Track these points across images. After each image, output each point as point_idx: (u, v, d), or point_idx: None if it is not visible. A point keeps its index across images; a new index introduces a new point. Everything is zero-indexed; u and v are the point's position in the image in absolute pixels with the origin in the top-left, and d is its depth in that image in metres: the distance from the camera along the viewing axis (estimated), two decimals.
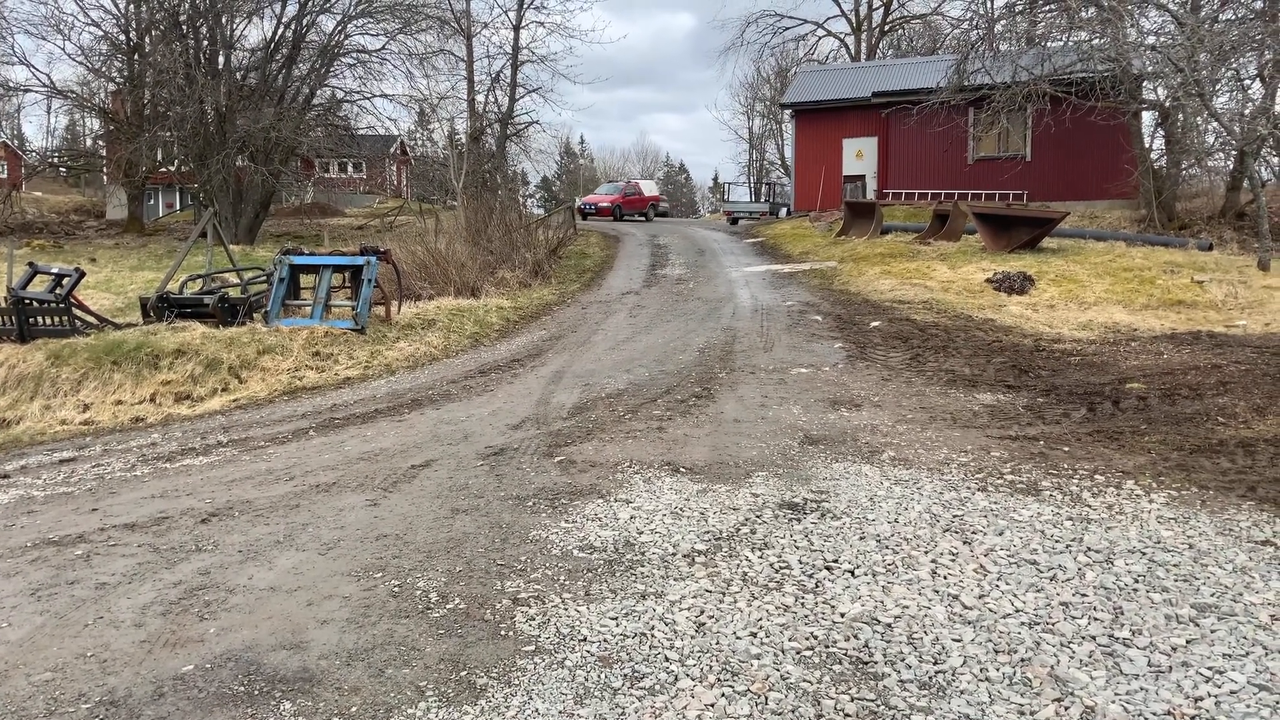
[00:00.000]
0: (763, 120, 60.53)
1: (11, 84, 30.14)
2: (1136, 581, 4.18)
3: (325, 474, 6.33)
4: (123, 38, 29.12)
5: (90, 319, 11.72)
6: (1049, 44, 20.96)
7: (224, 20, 27.57)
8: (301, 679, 3.52)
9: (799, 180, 29.99)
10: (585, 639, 3.78)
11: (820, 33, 45.56)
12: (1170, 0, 18.58)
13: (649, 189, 40.56)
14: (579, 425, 7.39)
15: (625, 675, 3.50)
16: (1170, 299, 12.53)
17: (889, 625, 3.83)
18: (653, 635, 3.80)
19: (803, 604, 4.05)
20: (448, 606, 4.11)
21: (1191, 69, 15.44)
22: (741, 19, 52.12)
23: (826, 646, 3.67)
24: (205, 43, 27.94)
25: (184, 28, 27.52)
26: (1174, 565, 4.35)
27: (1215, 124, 17.55)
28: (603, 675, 3.50)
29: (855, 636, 3.74)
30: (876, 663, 3.54)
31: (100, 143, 39.81)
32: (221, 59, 28.17)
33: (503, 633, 3.86)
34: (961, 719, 3.16)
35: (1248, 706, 3.18)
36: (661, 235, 26.77)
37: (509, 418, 7.79)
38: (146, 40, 28.91)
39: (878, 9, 44.62)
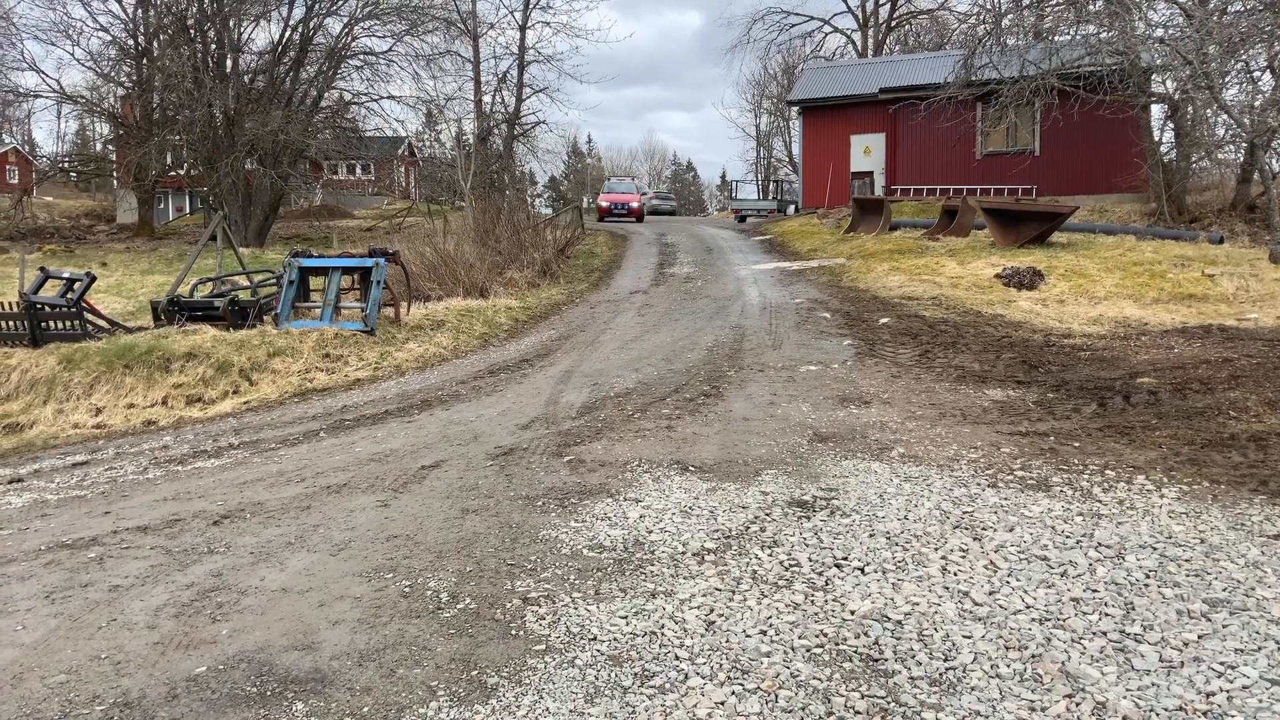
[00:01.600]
0: (770, 117, 60.52)
1: (21, 90, 30.36)
2: (1148, 577, 4.17)
3: (336, 475, 6.36)
4: (131, 42, 29.29)
5: (102, 323, 11.79)
6: (1057, 38, 20.88)
7: (231, 24, 27.69)
8: (313, 679, 3.53)
9: (806, 177, 29.94)
10: (595, 638, 3.79)
11: (827, 29, 45.45)
12: None
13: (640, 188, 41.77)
14: (588, 424, 7.40)
15: (635, 674, 3.51)
16: (1181, 293, 12.47)
17: (899, 622, 3.82)
18: (663, 634, 3.80)
19: (813, 602, 4.05)
20: (458, 606, 4.12)
21: (1200, 61, 15.36)
22: (748, 16, 51.97)
23: (836, 644, 3.67)
24: (213, 46, 28.06)
25: (192, 32, 27.64)
26: (1185, 560, 4.34)
27: (1225, 116, 17.47)
28: (613, 674, 3.51)
29: (865, 634, 3.74)
30: (887, 660, 3.54)
31: (110, 147, 39.98)
32: (229, 62, 28.30)
33: (513, 632, 3.87)
34: (972, 715, 3.16)
35: (1260, 701, 3.17)
36: (669, 234, 26.76)
37: (518, 418, 7.80)
38: (154, 45, 29.07)
39: (884, 5, 44.52)
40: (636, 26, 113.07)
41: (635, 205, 35.31)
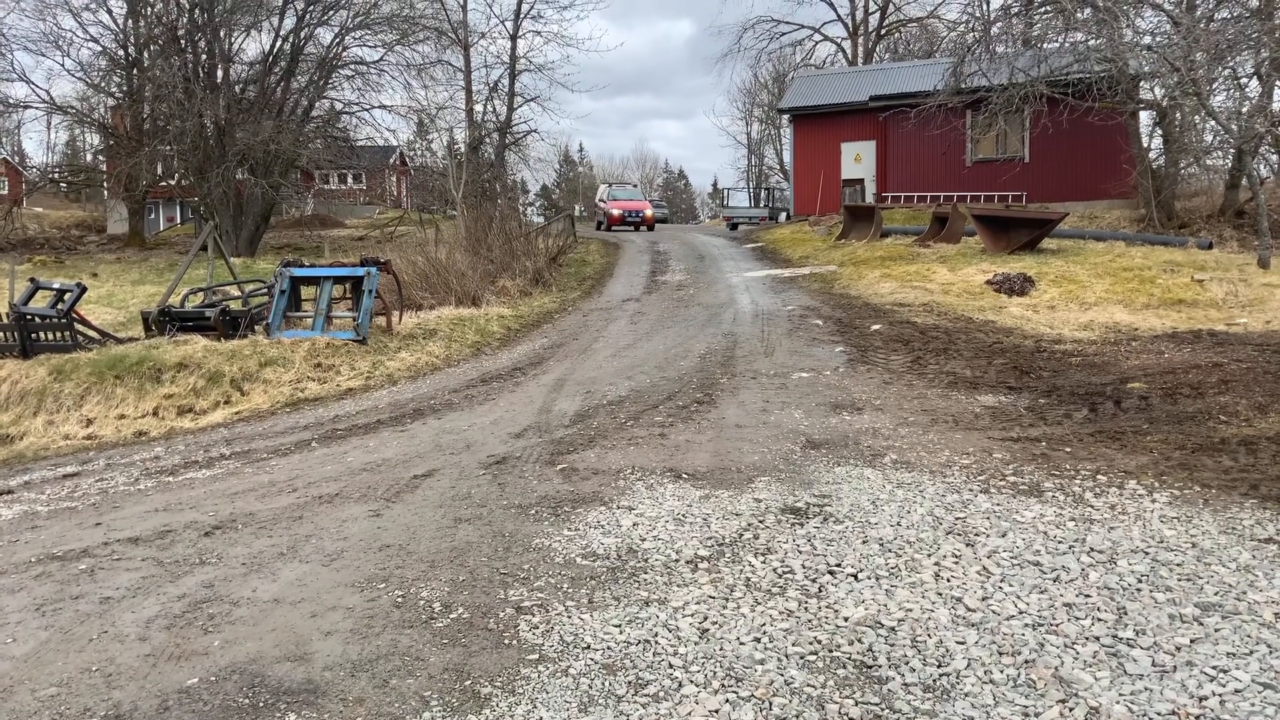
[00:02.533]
0: (761, 125, 60.69)
1: (11, 100, 30.24)
2: (1140, 581, 4.18)
3: (328, 485, 6.34)
4: (121, 53, 29.22)
5: (92, 334, 11.74)
6: (1045, 45, 21.00)
7: (222, 34, 27.68)
8: (306, 690, 3.52)
9: (798, 185, 30.04)
10: (589, 646, 3.78)
11: (817, 38, 45.70)
12: (1165, 0, 18.61)
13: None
14: (581, 433, 7.40)
15: (629, 682, 3.50)
16: (1171, 298, 12.52)
17: (892, 629, 3.83)
18: (656, 642, 3.80)
19: (806, 609, 4.05)
20: (451, 616, 4.11)
21: (1188, 68, 15.46)
22: (738, 25, 52.08)
23: (830, 651, 3.67)
24: (204, 57, 28.04)
25: (182, 42, 27.63)
26: (1177, 565, 4.35)
27: (1213, 123, 17.56)
28: (607, 683, 3.50)
29: (859, 640, 3.74)
30: (880, 666, 3.54)
31: (100, 158, 39.94)
32: (220, 73, 28.27)
33: (506, 641, 3.86)
34: None
35: (1252, 705, 3.18)
36: (661, 242, 26.79)
37: (511, 426, 7.80)
38: (145, 55, 29.01)
39: (874, 13, 44.76)
40: (629, 36, 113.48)
41: (649, 213, 33.86)
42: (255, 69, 29.20)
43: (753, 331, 11.89)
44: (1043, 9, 20.77)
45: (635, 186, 39.38)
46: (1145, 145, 21.96)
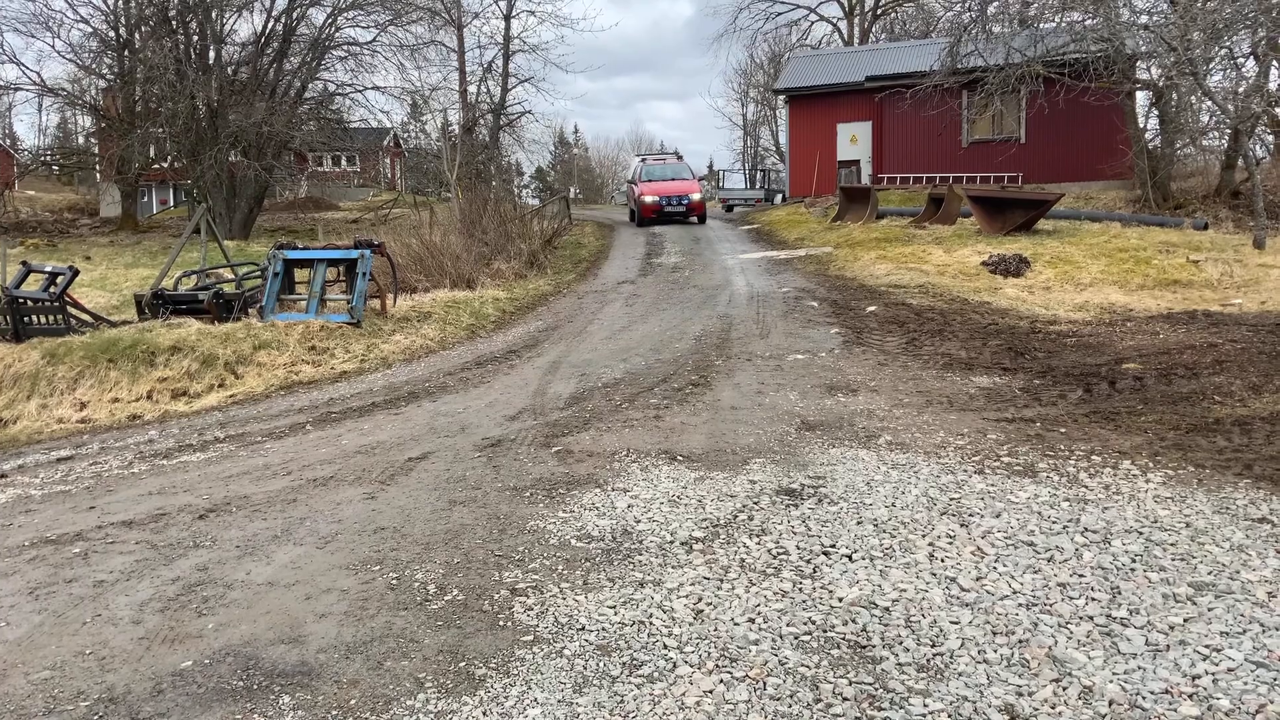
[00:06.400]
0: (757, 107, 60.48)
1: (2, 82, 30.03)
2: (1134, 561, 4.19)
3: (322, 468, 6.32)
4: (112, 34, 28.97)
5: (85, 317, 11.69)
6: (1042, 25, 20.91)
7: (214, 15, 27.43)
8: (300, 673, 3.52)
9: (794, 166, 29.93)
10: (583, 628, 3.78)
11: (813, 18, 45.37)
12: None
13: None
14: (576, 415, 7.39)
15: (624, 663, 3.50)
16: (1166, 279, 12.52)
17: (886, 609, 3.83)
18: (651, 623, 3.80)
19: (800, 589, 4.05)
20: (446, 598, 4.11)
21: (1185, 48, 15.39)
22: (734, 5, 51.57)
23: (824, 631, 3.68)
24: (195, 38, 27.80)
25: (173, 23, 27.38)
26: (1171, 544, 4.36)
27: (1209, 103, 17.52)
28: (601, 664, 3.50)
29: (853, 621, 3.74)
30: (874, 646, 3.54)
31: (92, 140, 39.64)
32: (212, 54, 28.04)
33: (501, 623, 3.86)
34: (959, 701, 3.17)
35: (1245, 684, 3.19)
36: (654, 224, 26.70)
37: (506, 409, 7.78)
38: (136, 36, 28.77)
39: None
40: (629, 16, 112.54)
41: (697, 198, 25.33)
42: (247, 50, 28.97)
43: (748, 314, 11.87)
44: None
45: (680, 160, 28.45)
46: (1141, 126, 21.92)
